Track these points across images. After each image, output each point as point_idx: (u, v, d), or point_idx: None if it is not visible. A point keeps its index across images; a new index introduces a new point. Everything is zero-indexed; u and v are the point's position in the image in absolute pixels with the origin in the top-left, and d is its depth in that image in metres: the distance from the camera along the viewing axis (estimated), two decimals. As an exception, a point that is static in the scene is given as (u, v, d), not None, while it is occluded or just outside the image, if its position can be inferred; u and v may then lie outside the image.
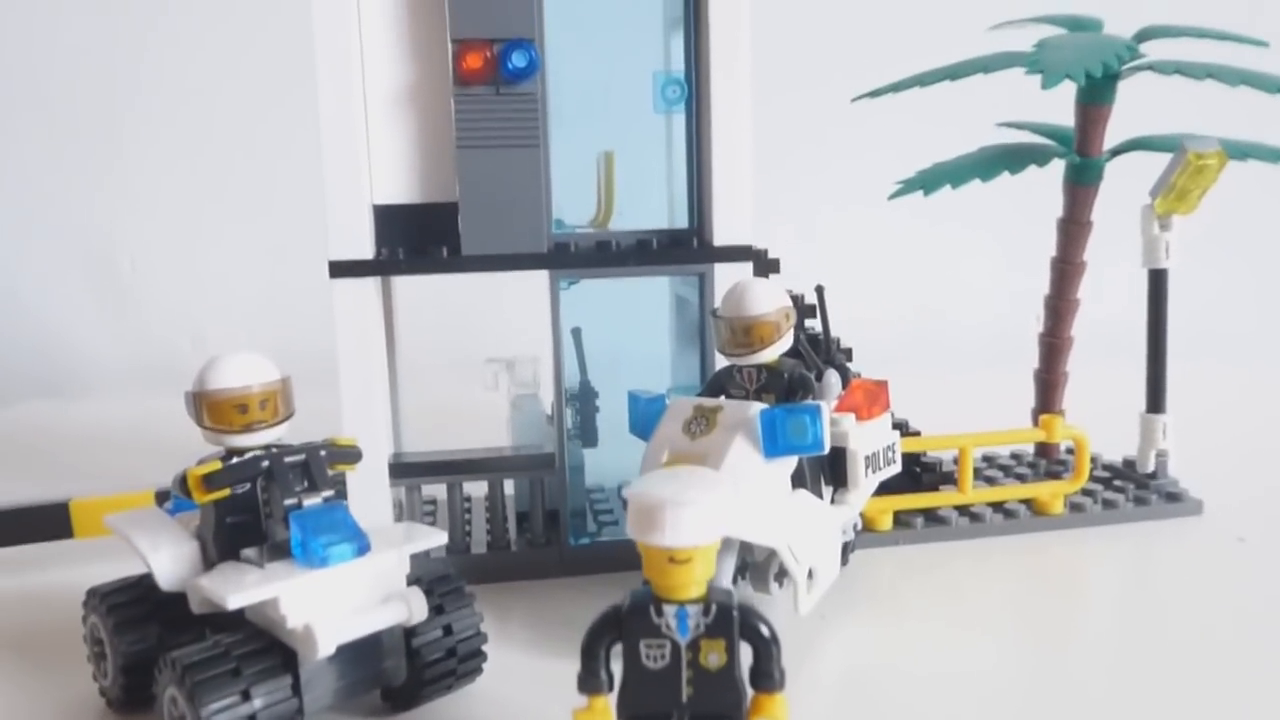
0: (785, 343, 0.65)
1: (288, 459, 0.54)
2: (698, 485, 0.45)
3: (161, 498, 0.74)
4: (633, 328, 0.80)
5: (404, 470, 0.74)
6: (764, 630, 0.46)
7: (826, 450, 0.59)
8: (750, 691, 0.46)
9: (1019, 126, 0.95)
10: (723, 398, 0.65)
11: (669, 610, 0.45)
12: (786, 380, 0.65)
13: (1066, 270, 0.93)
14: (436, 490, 0.81)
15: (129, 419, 1.35)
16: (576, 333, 0.81)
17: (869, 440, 0.68)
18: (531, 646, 0.65)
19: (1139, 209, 0.85)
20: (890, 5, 1.50)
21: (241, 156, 1.52)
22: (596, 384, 0.81)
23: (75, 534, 0.77)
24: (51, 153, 1.54)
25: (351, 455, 0.56)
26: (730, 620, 0.45)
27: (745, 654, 0.46)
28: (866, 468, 0.68)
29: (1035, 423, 0.94)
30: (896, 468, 0.71)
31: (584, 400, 0.82)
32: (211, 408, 0.53)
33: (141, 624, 0.56)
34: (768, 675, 0.46)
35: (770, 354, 0.65)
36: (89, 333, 1.58)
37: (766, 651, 0.46)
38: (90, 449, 1.21)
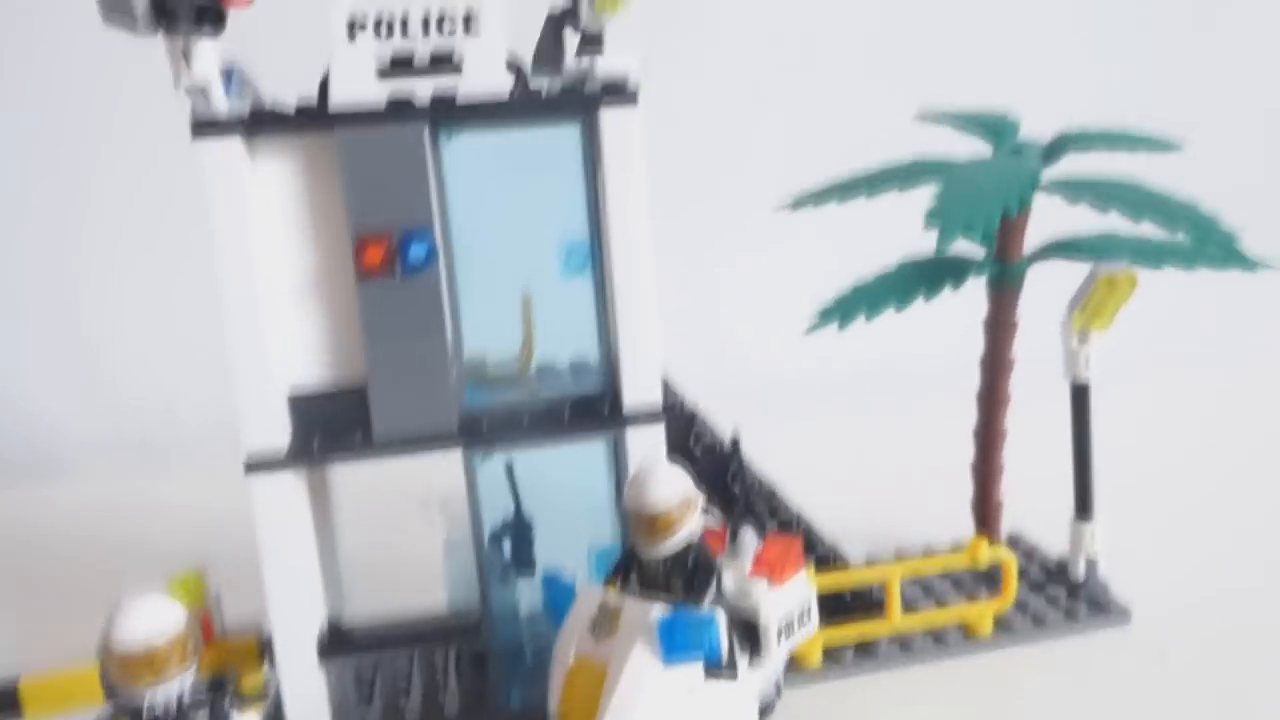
0: (692, 529, 0.66)
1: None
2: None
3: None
4: (553, 487, 0.81)
5: (334, 649, 0.76)
6: None
7: (725, 659, 0.61)
8: None
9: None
10: (628, 590, 0.66)
11: None
12: (691, 567, 0.66)
13: (996, 368, 0.93)
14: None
15: (101, 504, 1.37)
16: (509, 469, 0.82)
17: (782, 606, 0.69)
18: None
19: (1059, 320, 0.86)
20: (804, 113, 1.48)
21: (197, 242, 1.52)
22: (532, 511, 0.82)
23: (25, 717, 0.79)
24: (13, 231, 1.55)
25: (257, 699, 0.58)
26: None
27: None
28: (779, 636, 0.69)
29: (975, 513, 0.96)
30: (812, 629, 0.72)
31: (518, 532, 0.83)
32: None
33: None
34: None
35: (677, 544, 0.66)
36: (59, 407, 1.59)
37: None
38: (62, 546, 1.23)
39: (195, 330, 1.56)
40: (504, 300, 0.77)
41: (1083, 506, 0.88)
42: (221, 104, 0.65)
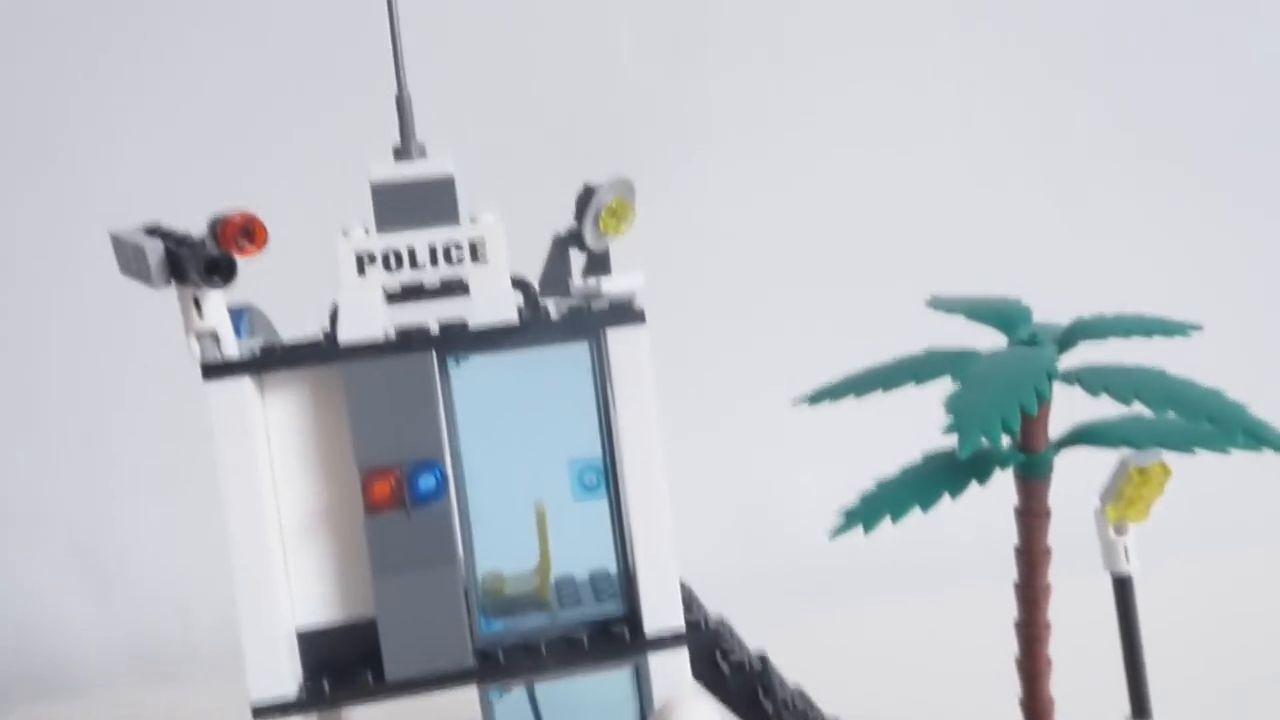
0: (720, 766, 0.63)
1: None
2: None
3: None
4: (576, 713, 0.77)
5: None
6: None
7: None
8: None
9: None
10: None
11: None
12: (724, 809, 0.62)
13: (1032, 559, 0.90)
14: None
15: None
16: (532, 695, 0.78)
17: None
18: None
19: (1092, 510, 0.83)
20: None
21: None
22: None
23: None
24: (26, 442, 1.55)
25: None
26: None
27: None
28: None
29: (1024, 711, 0.91)
30: None
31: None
32: None
33: None
34: None
35: (704, 783, 0.62)
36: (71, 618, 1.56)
37: None
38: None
39: (210, 538, 1.55)
40: (518, 520, 0.75)
41: (1138, 706, 0.83)
42: (231, 348, 0.66)
